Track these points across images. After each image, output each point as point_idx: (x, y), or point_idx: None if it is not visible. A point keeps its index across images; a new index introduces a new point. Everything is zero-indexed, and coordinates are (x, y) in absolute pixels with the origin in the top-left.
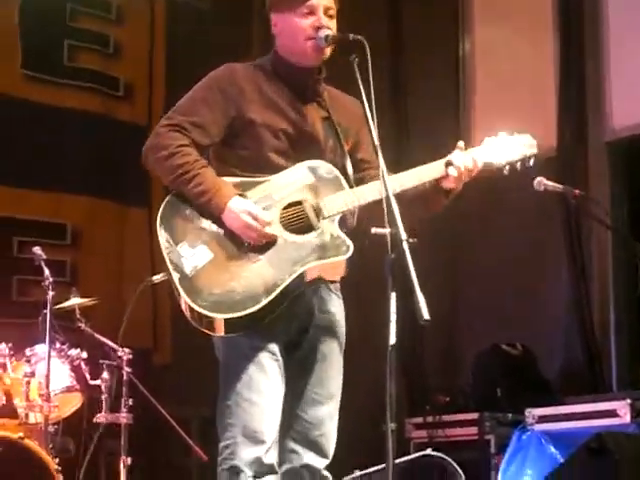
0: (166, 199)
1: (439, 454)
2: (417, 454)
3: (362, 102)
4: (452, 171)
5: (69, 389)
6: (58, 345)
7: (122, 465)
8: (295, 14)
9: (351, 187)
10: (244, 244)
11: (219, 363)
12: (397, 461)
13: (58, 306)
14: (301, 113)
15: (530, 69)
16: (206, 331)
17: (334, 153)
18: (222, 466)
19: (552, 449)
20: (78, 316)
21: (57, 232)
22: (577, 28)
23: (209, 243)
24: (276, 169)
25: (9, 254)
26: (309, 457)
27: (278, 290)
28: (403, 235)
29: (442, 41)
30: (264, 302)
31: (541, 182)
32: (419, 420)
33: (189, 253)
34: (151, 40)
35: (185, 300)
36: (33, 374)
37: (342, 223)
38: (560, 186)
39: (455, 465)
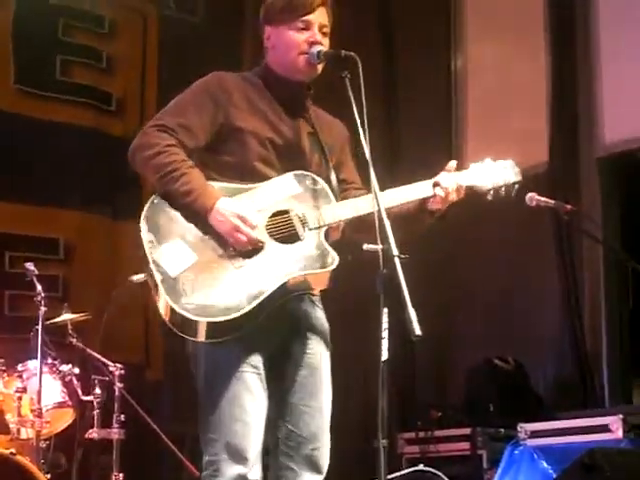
0: (151, 199)
1: (431, 469)
2: (409, 469)
3: (354, 118)
4: (439, 191)
5: (61, 405)
6: (50, 360)
7: None
8: (290, 28)
9: (335, 197)
10: (229, 248)
11: (196, 376)
12: (389, 477)
13: (50, 321)
14: (288, 124)
15: (522, 85)
16: (185, 336)
17: (319, 167)
18: None
19: (544, 464)
20: (70, 331)
21: (49, 247)
22: (569, 44)
23: (194, 245)
24: (261, 178)
25: (1, 269)
26: (306, 477)
27: (261, 298)
28: (395, 251)
29: (434, 57)
30: (247, 309)
31: (533, 197)
32: (411, 435)
33: (172, 254)
34: (143, 55)
35: (167, 301)
36: (25, 390)
37: (327, 235)
38: (552, 201)
39: None
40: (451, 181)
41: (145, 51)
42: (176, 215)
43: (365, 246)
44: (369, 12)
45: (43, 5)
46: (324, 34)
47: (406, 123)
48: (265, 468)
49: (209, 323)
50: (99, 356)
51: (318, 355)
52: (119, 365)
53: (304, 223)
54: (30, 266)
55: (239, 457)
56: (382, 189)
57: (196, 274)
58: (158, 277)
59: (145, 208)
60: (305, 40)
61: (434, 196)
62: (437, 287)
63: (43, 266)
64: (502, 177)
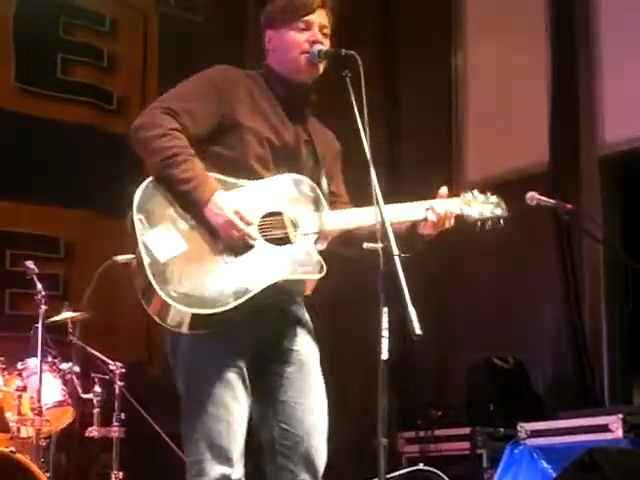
0: (146, 181)
1: (431, 469)
2: (409, 469)
3: (354, 116)
4: (431, 216)
5: (61, 403)
6: (50, 359)
7: (114, 479)
8: (291, 29)
9: (329, 206)
10: (220, 241)
11: (177, 375)
12: (389, 476)
13: (50, 320)
14: (288, 128)
15: (523, 84)
16: (166, 325)
17: (312, 173)
18: None
19: (544, 464)
20: (70, 330)
21: (50, 245)
22: (570, 44)
23: (185, 233)
24: (255, 176)
25: (1, 267)
26: (304, 478)
27: (248, 296)
28: (395, 250)
29: (435, 57)
30: (232, 304)
31: (533, 197)
32: (411, 434)
33: (163, 239)
34: (144, 53)
35: (153, 287)
36: (25, 388)
37: (316, 242)
38: (552, 201)
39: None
40: (443, 207)
41: (146, 50)
42: (170, 201)
43: (365, 244)
44: (369, 12)
45: (44, 3)
46: (324, 35)
47: (406, 123)
48: (259, 469)
49: (193, 314)
50: (99, 354)
51: (306, 352)
52: (119, 363)
53: (296, 227)
54: (30, 264)
55: (223, 458)
56: (382, 192)
57: (185, 263)
58: (146, 260)
59: (139, 190)
60: (306, 39)
61: (425, 220)
62: (437, 286)
63: (44, 264)
64: (490, 210)
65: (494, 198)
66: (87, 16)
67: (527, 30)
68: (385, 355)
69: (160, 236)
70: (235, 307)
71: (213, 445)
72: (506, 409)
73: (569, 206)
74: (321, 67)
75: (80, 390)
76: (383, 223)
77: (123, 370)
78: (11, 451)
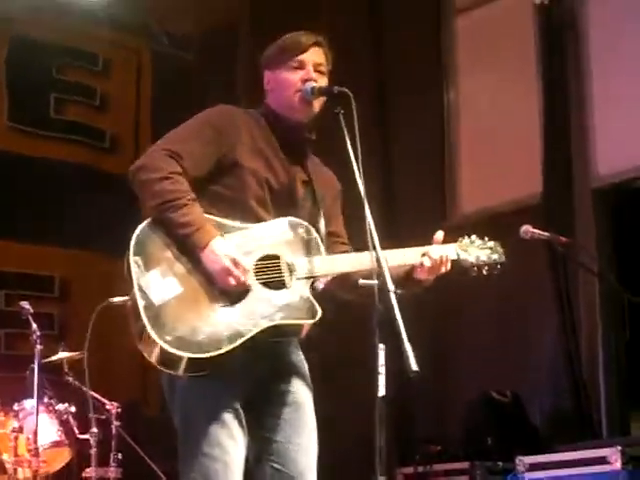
0: (144, 223)
1: None
2: None
3: (347, 153)
4: (426, 261)
5: (58, 444)
6: (46, 399)
7: None
8: (285, 68)
9: (326, 249)
10: (216, 286)
11: (173, 414)
12: None
13: (46, 360)
14: (286, 169)
15: (515, 117)
16: (161, 367)
17: (310, 215)
18: None
19: None
20: (66, 370)
21: (45, 285)
22: (561, 76)
23: (181, 277)
24: (253, 218)
25: None
26: None
27: (241, 341)
28: (391, 286)
29: (427, 91)
30: (224, 349)
31: (527, 230)
32: (410, 470)
33: (159, 282)
34: (137, 92)
35: (147, 330)
36: (21, 429)
37: (312, 286)
38: (546, 234)
39: None
40: (439, 253)
41: (139, 88)
42: (168, 244)
43: (360, 281)
44: (362, 48)
45: (37, 43)
46: (320, 72)
47: (399, 158)
48: None
49: (186, 358)
50: (96, 394)
51: (301, 394)
52: (116, 403)
53: (292, 271)
54: (25, 304)
55: None
56: (376, 225)
57: (179, 306)
58: (141, 303)
59: (136, 232)
60: (300, 79)
61: (421, 265)
62: (434, 320)
63: (39, 304)
64: (486, 255)
65: (491, 243)
66: (80, 55)
67: (518, 63)
68: (382, 392)
69: (156, 279)
70: (228, 351)
71: None
72: (504, 443)
73: (563, 239)
74: (316, 105)
75: (77, 430)
76: (378, 260)
77: (119, 410)
78: None
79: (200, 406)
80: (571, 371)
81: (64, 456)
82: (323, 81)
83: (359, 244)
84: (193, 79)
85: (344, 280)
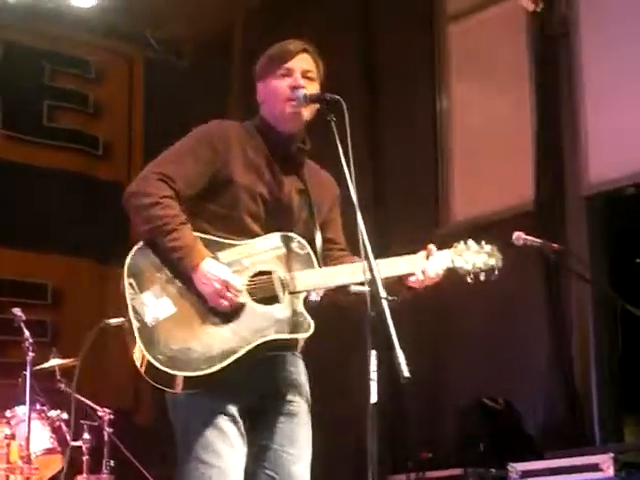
0: (137, 245)
1: None
2: None
3: (339, 160)
4: (419, 274)
5: (50, 451)
6: (38, 406)
7: None
8: (274, 76)
9: (319, 263)
10: (208, 306)
11: (174, 424)
12: None
13: (38, 367)
14: (279, 181)
15: (507, 124)
16: (158, 385)
17: (305, 225)
18: None
19: None
20: (58, 377)
21: (38, 292)
22: (553, 83)
23: (174, 297)
24: (248, 233)
25: None
26: None
27: (233, 358)
28: (382, 293)
29: (419, 98)
30: (217, 367)
31: (519, 237)
32: (402, 477)
33: (152, 303)
34: (130, 99)
35: (141, 350)
36: (13, 436)
37: (306, 299)
38: (539, 240)
39: None
40: (432, 268)
41: (131, 95)
42: (161, 265)
43: (352, 288)
44: (353, 54)
45: (30, 50)
46: (309, 79)
47: (391, 165)
48: None
49: (180, 377)
50: (88, 401)
51: (297, 403)
52: (108, 410)
53: (285, 286)
54: (18, 311)
55: None
56: (368, 234)
57: (173, 326)
58: (135, 324)
59: (130, 253)
60: (288, 86)
61: (413, 275)
62: (425, 327)
63: (32, 311)
64: (483, 261)
65: (488, 247)
66: (72, 62)
67: (510, 70)
68: (374, 398)
69: (149, 300)
70: (221, 369)
71: None
72: (497, 449)
73: (556, 246)
74: (306, 113)
75: (69, 437)
76: (370, 267)
77: (112, 416)
78: None
79: (198, 415)
80: (564, 378)
81: (56, 463)
82: (313, 87)
83: (354, 251)
84: (186, 86)
85: (338, 289)
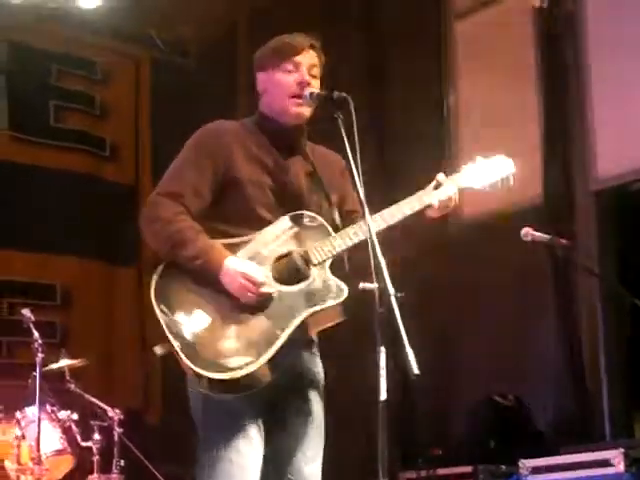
0: (158, 269)
1: None
2: None
3: (347, 159)
4: (434, 201)
5: (60, 452)
6: (48, 407)
7: None
8: (280, 70)
9: (334, 230)
10: (240, 303)
11: (196, 422)
12: None
13: (47, 368)
14: (285, 169)
15: (514, 121)
16: (218, 395)
17: (319, 207)
18: None
19: None
20: (68, 377)
21: (47, 293)
22: (560, 78)
23: (205, 307)
24: (264, 223)
25: None
26: None
27: (279, 342)
28: (391, 290)
29: (426, 95)
30: (267, 356)
31: (528, 232)
32: (412, 475)
33: (187, 319)
34: (136, 99)
35: (191, 367)
36: (24, 437)
37: (334, 267)
38: (547, 236)
39: None
40: (444, 193)
41: (138, 95)
42: (185, 282)
43: (361, 285)
44: (360, 51)
45: (36, 51)
46: (313, 76)
47: (398, 162)
48: None
49: (242, 376)
50: (98, 401)
51: (313, 402)
52: (118, 410)
53: (308, 261)
54: (27, 312)
55: None
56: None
57: (213, 334)
58: (177, 345)
59: (153, 280)
60: (294, 81)
61: (430, 206)
62: (435, 324)
63: (41, 312)
64: (496, 173)
65: (497, 158)
66: (79, 63)
67: (517, 66)
68: (384, 395)
69: (183, 318)
70: (272, 357)
71: None
72: (507, 446)
73: (564, 241)
74: (309, 110)
75: (79, 438)
76: (378, 265)
77: (121, 417)
78: None
79: (220, 411)
80: (573, 374)
81: (67, 464)
82: (316, 84)
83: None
84: (192, 86)
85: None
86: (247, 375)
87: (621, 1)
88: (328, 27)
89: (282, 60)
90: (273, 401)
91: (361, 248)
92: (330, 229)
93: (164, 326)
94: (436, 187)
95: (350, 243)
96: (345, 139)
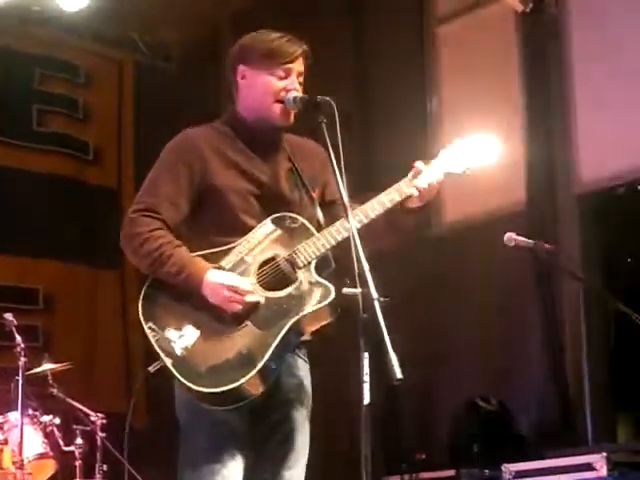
0: (142, 295)
1: None
2: None
3: (331, 163)
4: (414, 191)
5: (42, 456)
6: (31, 412)
7: None
8: (271, 74)
9: (316, 229)
10: (228, 314)
11: (181, 425)
12: None
13: (30, 372)
14: (264, 171)
15: (498, 125)
16: (214, 407)
17: (301, 204)
18: None
19: None
20: (51, 382)
21: (29, 297)
22: (543, 82)
23: (194, 321)
24: (248, 229)
25: None
26: None
27: (270, 351)
28: (374, 294)
29: (410, 99)
30: (261, 363)
31: (511, 237)
32: (396, 479)
33: (176, 336)
34: (119, 102)
35: (184, 383)
36: (6, 442)
37: (319, 268)
38: (530, 241)
39: None
40: (424, 181)
41: (121, 99)
42: (170, 298)
43: (344, 290)
44: (344, 57)
45: (19, 55)
46: (300, 82)
47: (382, 167)
48: None
49: (238, 387)
50: (80, 406)
51: (298, 407)
52: (100, 414)
53: (293, 264)
54: (9, 317)
55: None
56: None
57: (204, 348)
58: (169, 362)
59: (140, 300)
60: (284, 88)
61: (410, 196)
62: (419, 329)
63: (23, 316)
64: (476, 153)
65: (475, 137)
66: (62, 67)
67: (501, 71)
68: (367, 400)
69: (172, 334)
70: (265, 364)
71: None
72: (490, 450)
73: (548, 246)
74: (293, 113)
75: (62, 442)
76: (362, 271)
77: (104, 421)
78: None
79: (202, 420)
80: (556, 378)
81: (49, 468)
82: (300, 89)
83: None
84: (175, 89)
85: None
86: (238, 387)
87: (604, 6)
88: (312, 28)
89: (274, 65)
90: (259, 407)
91: (345, 252)
92: (313, 229)
93: (154, 344)
94: (415, 176)
95: (334, 242)
96: (328, 143)
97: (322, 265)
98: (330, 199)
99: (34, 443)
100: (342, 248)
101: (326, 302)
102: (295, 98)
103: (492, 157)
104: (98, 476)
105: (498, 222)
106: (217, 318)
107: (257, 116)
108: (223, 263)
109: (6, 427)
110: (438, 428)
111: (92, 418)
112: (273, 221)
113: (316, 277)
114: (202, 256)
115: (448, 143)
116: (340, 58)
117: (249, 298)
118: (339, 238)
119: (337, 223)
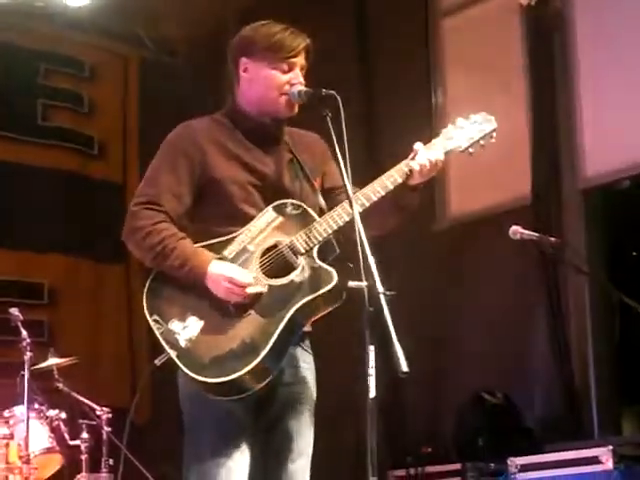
0: (146, 288)
1: None
2: None
3: (334, 153)
4: (415, 166)
5: (49, 450)
6: (37, 406)
7: None
8: (274, 68)
9: (318, 215)
10: (231, 304)
11: (185, 419)
12: None
13: (36, 367)
14: (264, 161)
15: (503, 118)
16: (220, 397)
17: (302, 194)
18: None
19: None
20: (56, 376)
21: (34, 292)
22: (548, 77)
23: (198, 312)
24: (248, 219)
25: None
26: None
27: (273, 339)
28: (380, 288)
29: (414, 93)
30: (264, 352)
31: (517, 231)
32: (402, 472)
33: (180, 327)
34: (124, 97)
35: (190, 375)
36: (12, 436)
37: (323, 253)
38: (536, 234)
39: None
40: (426, 155)
41: (126, 94)
42: (174, 290)
43: (350, 283)
44: (348, 51)
45: (23, 50)
46: (302, 76)
47: (386, 161)
48: None
49: (240, 377)
50: (86, 400)
51: (302, 400)
52: (106, 409)
53: (295, 250)
54: (15, 311)
55: None
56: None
57: (208, 338)
58: (174, 354)
59: (144, 293)
60: (288, 81)
61: (411, 174)
62: (425, 322)
63: (28, 311)
64: (476, 131)
65: (477, 116)
66: (67, 61)
67: (505, 64)
68: (373, 393)
69: (177, 326)
70: (269, 351)
71: None
72: (496, 444)
73: (553, 239)
74: (297, 107)
75: (68, 437)
76: (367, 264)
77: (110, 415)
78: None
79: (208, 414)
80: (562, 371)
81: (55, 463)
82: (302, 81)
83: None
84: (180, 84)
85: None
86: (240, 377)
87: None
88: (316, 24)
89: (278, 59)
90: (264, 398)
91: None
92: (314, 215)
93: (159, 337)
94: (414, 157)
95: (335, 227)
96: (334, 136)
97: (326, 250)
98: (329, 186)
99: (40, 437)
100: (348, 243)
101: (329, 287)
102: (300, 92)
103: (491, 139)
104: (104, 470)
105: (504, 216)
106: (221, 309)
107: (260, 109)
108: (226, 253)
109: (12, 422)
110: (444, 421)
111: (98, 412)
112: (275, 209)
113: (319, 262)
114: (205, 246)
115: (451, 122)
116: (344, 51)
117: (250, 290)
118: (341, 222)
119: (338, 207)
